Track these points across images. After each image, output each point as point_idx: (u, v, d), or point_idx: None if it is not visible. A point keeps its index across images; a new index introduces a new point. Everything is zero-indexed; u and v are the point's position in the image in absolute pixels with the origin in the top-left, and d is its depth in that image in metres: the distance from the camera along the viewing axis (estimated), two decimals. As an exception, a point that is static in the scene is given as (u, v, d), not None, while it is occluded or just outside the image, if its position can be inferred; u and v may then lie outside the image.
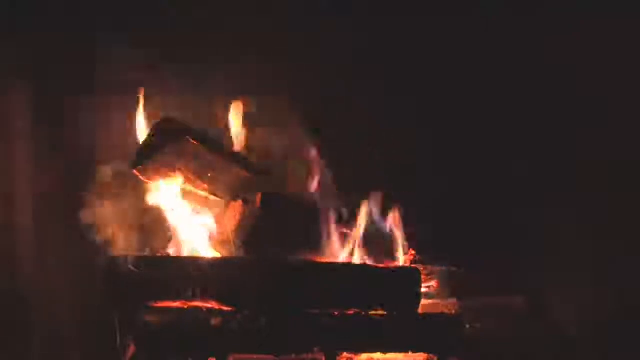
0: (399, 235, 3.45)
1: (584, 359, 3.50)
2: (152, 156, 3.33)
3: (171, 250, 3.33)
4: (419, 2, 3.82)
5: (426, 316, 3.21)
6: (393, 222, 3.44)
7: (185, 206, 3.41)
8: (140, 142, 3.40)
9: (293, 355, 3.04)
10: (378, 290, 3.15)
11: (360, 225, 3.43)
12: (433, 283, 3.47)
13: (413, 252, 3.48)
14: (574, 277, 3.56)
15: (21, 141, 3.47)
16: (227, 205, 3.43)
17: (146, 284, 2.98)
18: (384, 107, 3.80)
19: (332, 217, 3.36)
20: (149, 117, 3.43)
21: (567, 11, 3.73)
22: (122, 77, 3.53)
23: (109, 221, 3.36)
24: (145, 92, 3.45)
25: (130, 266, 2.98)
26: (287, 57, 3.69)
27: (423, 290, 3.26)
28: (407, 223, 3.47)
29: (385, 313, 3.15)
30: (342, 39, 3.77)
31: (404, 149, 3.76)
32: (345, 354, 3.09)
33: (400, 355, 3.14)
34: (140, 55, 3.57)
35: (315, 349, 3.05)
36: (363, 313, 3.13)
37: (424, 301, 3.22)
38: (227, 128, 3.51)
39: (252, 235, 3.27)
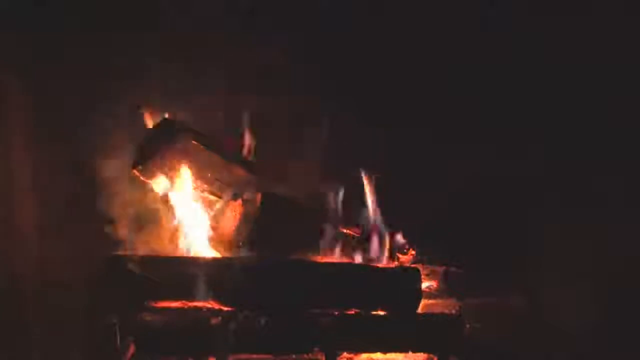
0: (399, 235, 3.46)
1: (583, 359, 3.50)
2: (152, 156, 3.33)
3: (172, 250, 3.34)
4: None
5: (426, 316, 3.21)
6: (393, 222, 3.44)
7: (185, 205, 3.41)
8: (141, 142, 3.40)
9: (293, 356, 3.05)
10: (378, 290, 3.16)
11: (360, 225, 3.43)
12: (433, 283, 3.47)
13: (413, 252, 3.48)
14: (574, 277, 3.55)
15: (21, 141, 3.47)
16: (227, 205, 3.44)
17: (146, 284, 2.98)
18: (383, 106, 3.80)
19: (332, 217, 3.37)
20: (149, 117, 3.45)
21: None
22: (123, 77, 3.53)
23: (109, 220, 3.36)
24: (145, 93, 3.47)
25: (130, 266, 2.98)
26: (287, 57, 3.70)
27: (423, 290, 3.26)
28: (407, 223, 3.47)
29: (385, 313, 3.15)
30: (343, 37, 3.78)
31: (404, 149, 3.76)
32: (345, 354, 3.10)
33: (400, 355, 3.14)
34: (140, 55, 3.58)
35: (315, 349, 3.05)
36: (363, 313, 3.13)
37: (424, 301, 3.22)
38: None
39: (252, 235, 3.27)
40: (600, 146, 3.69)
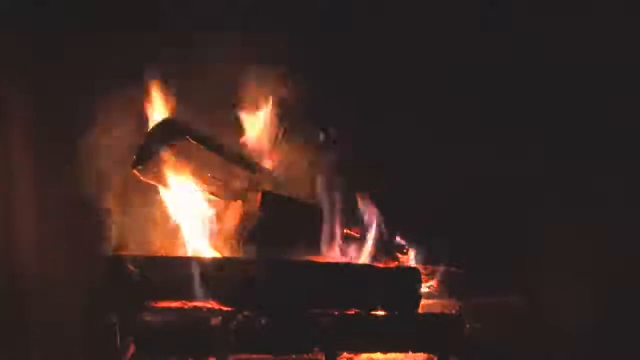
0: (399, 235, 3.46)
1: (583, 359, 3.50)
2: (153, 156, 3.33)
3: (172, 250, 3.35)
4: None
5: (426, 316, 3.21)
6: (393, 222, 3.45)
7: (185, 205, 3.41)
8: (141, 142, 3.40)
9: (293, 356, 3.05)
10: (378, 290, 3.16)
11: (360, 225, 3.43)
12: (433, 283, 3.47)
13: (413, 252, 3.49)
14: (574, 277, 3.56)
15: (21, 141, 3.47)
16: (227, 205, 3.44)
17: (146, 284, 2.98)
18: (383, 106, 3.81)
19: (332, 217, 3.37)
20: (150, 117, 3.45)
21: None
22: (123, 77, 3.53)
23: (109, 221, 3.36)
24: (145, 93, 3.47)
25: (130, 266, 2.98)
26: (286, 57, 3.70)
27: (423, 290, 3.27)
28: (407, 223, 3.47)
29: (385, 313, 3.15)
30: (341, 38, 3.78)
31: (404, 149, 3.76)
32: (345, 354, 3.10)
33: (400, 355, 3.14)
34: (141, 55, 3.57)
35: (315, 349, 3.05)
36: (363, 313, 3.13)
37: (424, 301, 3.22)
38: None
39: (252, 235, 3.27)
40: (600, 146, 3.69)
